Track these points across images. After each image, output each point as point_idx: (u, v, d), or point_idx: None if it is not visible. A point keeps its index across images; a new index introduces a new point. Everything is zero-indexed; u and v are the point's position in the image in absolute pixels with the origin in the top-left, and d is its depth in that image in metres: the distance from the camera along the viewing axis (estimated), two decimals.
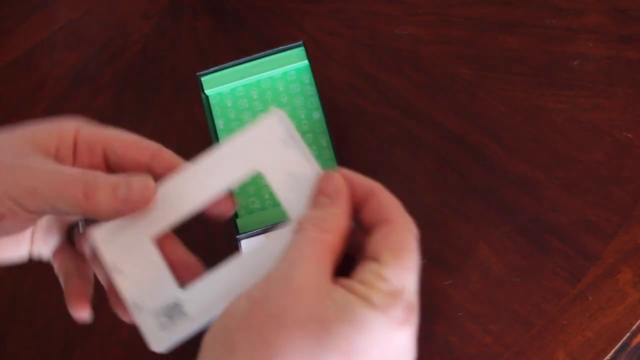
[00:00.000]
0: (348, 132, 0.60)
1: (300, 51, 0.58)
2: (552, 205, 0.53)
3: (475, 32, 0.62)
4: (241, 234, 0.53)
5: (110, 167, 0.37)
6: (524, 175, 0.55)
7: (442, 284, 0.52)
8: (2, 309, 0.59)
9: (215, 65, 0.58)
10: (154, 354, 0.55)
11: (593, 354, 0.48)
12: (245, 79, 0.59)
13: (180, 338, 0.35)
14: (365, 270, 0.30)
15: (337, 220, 0.31)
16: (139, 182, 0.33)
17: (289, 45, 0.58)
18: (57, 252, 0.39)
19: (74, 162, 0.36)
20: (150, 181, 0.33)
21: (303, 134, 0.57)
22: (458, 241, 0.54)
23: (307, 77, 0.59)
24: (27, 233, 0.37)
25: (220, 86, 0.58)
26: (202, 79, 0.58)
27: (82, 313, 0.37)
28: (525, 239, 0.53)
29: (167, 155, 0.37)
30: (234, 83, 0.59)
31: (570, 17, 0.61)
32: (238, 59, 0.59)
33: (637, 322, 0.48)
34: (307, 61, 0.58)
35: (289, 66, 0.58)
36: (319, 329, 0.27)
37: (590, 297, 0.50)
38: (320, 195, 0.33)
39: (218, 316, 0.29)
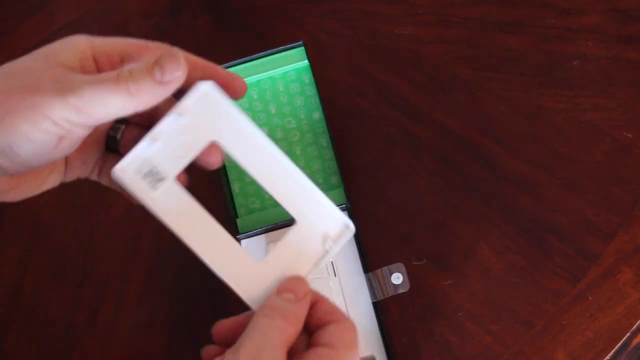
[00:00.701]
0: (348, 132, 0.60)
1: (300, 51, 0.58)
2: (552, 205, 0.53)
3: (475, 32, 0.62)
4: (241, 233, 0.53)
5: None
6: (524, 175, 0.55)
7: (442, 284, 0.52)
8: (2, 309, 0.59)
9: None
10: (153, 354, 0.55)
11: (593, 354, 0.48)
12: (245, 79, 0.59)
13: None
14: (323, 355, 0.34)
15: (300, 316, 0.36)
16: (167, 56, 0.34)
17: (289, 46, 0.58)
18: (99, 164, 0.40)
19: (98, 71, 0.37)
20: (176, 51, 0.35)
21: (303, 133, 0.58)
22: (458, 241, 0.54)
23: (307, 77, 0.59)
24: (62, 162, 0.39)
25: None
26: None
27: None
28: (525, 239, 0.53)
29: (175, 51, 0.36)
30: None
31: (571, 17, 0.61)
32: (238, 59, 0.59)
33: (637, 322, 0.48)
34: (307, 61, 0.58)
35: (289, 66, 0.58)
36: None
37: (590, 297, 0.50)
38: (288, 292, 0.37)
39: None
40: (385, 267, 0.50)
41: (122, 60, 0.37)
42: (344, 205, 0.53)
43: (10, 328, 0.58)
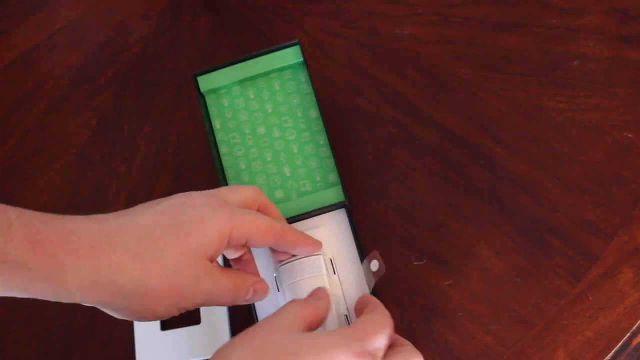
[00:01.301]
0: (348, 132, 0.60)
1: (296, 49, 0.58)
2: (552, 205, 0.53)
3: (475, 32, 0.62)
4: None
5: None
6: (524, 175, 0.55)
7: (442, 284, 0.52)
8: (2, 309, 0.59)
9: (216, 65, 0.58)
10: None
11: (593, 354, 0.48)
12: (241, 78, 0.59)
13: None
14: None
15: (319, 305, 0.44)
16: (260, 287, 0.46)
17: (285, 44, 0.58)
18: None
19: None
20: (264, 286, 0.47)
21: (300, 132, 0.57)
22: (458, 241, 0.54)
23: (304, 76, 0.59)
24: None
25: (216, 85, 0.58)
26: (198, 78, 0.58)
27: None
28: (525, 239, 0.53)
29: (289, 234, 0.48)
30: (230, 82, 0.59)
31: (571, 17, 0.61)
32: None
33: (638, 322, 0.48)
34: (302, 59, 0.58)
35: (285, 64, 0.58)
36: (296, 349, 0.36)
37: (590, 297, 0.50)
38: (315, 293, 0.47)
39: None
40: (365, 259, 0.50)
41: (247, 241, 0.45)
42: (342, 202, 0.53)
43: (10, 328, 0.58)
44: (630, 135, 0.55)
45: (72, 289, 0.38)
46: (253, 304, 0.52)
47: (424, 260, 0.54)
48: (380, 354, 0.38)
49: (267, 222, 0.45)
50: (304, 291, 0.48)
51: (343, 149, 0.59)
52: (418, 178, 0.57)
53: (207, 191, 0.46)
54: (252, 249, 0.50)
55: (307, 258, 0.50)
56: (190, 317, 0.55)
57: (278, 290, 0.52)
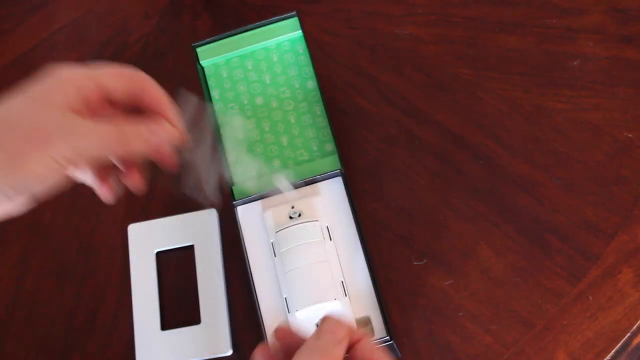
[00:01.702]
0: (348, 132, 0.60)
1: (294, 22, 0.59)
2: (552, 205, 0.53)
3: (476, 32, 0.62)
4: (237, 200, 0.55)
5: (107, 97, 0.42)
6: (524, 175, 0.55)
7: (442, 284, 0.52)
8: (2, 309, 0.59)
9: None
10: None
11: (593, 354, 0.48)
12: (240, 50, 0.60)
13: None
14: None
15: (338, 357, 0.37)
16: (157, 128, 0.41)
17: (282, 16, 0.59)
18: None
19: (88, 106, 0.40)
20: (166, 125, 0.41)
21: (297, 102, 0.58)
22: (458, 241, 0.54)
23: (301, 47, 0.60)
24: None
25: (216, 57, 0.60)
26: (198, 49, 0.59)
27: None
28: (526, 239, 0.53)
29: (153, 89, 0.42)
30: (229, 54, 0.60)
31: (571, 17, 0.61)
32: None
33: (638, 322, 0.48)
34: (300, 31, 0.59)
35: (282, 37, 0.60)
36: None
37: (590, 297, 0.50)
38: (329, 333, 0.38)
39: None
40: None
41: (100, 89, 0.41)
42: (337, 171, 0.54)
43: (10, 328, 0.58)
44: (630, 135, 0.55)
45: None
46: (254, 289, 0.52)
47: (424, 260, 0.54)
48: None
49: (125, 69, 0.42)
50: (301, 257, 0.50)
51: (343, 149, 0.59)
52: (418, 178, 0.57)
53: None
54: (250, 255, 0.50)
55: (304, 224, 0.51)
56: (190, 317, 0.55)
57: (275, 256, 0.53)
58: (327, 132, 0.57)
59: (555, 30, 0.60)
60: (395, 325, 0.52)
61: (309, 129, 0.58)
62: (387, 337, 0.49)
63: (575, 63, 0.59)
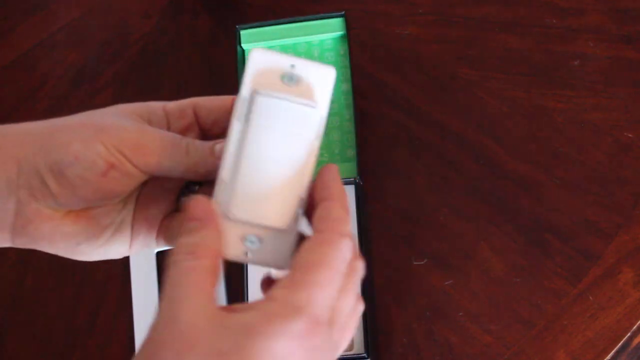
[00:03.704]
0: None
1: (340, 21, 0.59)
2: (553, 205, 0.53)
3: (476, 32, 0.62)
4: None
5: (201, 125, 0.38)
6: (525, 175, 0.55)
7: (442, 284, 0.52)
8: (2, 309, 0.59)
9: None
10: None
11: (594, 354, 0.48)
12: (282, 40, 0.60)
13: None
14: (275, 286, 0.29)
15: (211, 243, 0.31)
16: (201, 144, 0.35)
17: (330, 14, 0.59)
18: (165, 224, 0.38)
19: (169, 129, 0.37)
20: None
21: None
22: (458, 241, 0.54)
23: (343, 49, 0.60)
24: (127, 222, 0.37)
25: (258, 42, 0.60)
26: (241, 32, 0.60)
27: None
28: (526, 239, 0.53)
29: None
30: (271, 42, 0.60)
31: (571, 17, 0.61)
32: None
33: (638, 322, 0.48)
34: (345, 32, 0.59)
35: (327, 34, 0.60)
36: None
37: (591, 297, 0.50)
38: (189, 221, 0.31)
39: None
40: None
41: (197, 112, 0.38)
42: (352, 179, 0.54)
43: (11, 328, 0.58)
44: (630, 135, 0.55)
45: None
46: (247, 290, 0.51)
47: (425, 260, 0.54)
48: (330, 314, 0.29)
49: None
50: (273, 148, 0.34)
51: None
52: (418, 178, 0.57)
53: None
54: None
55: (301, 108, 0.34)
56: None
57: (237, 120, 0.34)
58: (351, 138, 0.57)
59: (556, 30, 0.60)
60: (395, 325, 0.52)
61: (335, 131, 0.57)
62: (364, 354, 0.49)
63: (575, 63, 0.59)
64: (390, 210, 0.56)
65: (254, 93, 0.34)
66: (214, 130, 0.38)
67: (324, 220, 0.31)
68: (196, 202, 0.32)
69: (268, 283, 0.34)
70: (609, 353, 0.48)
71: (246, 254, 0.33)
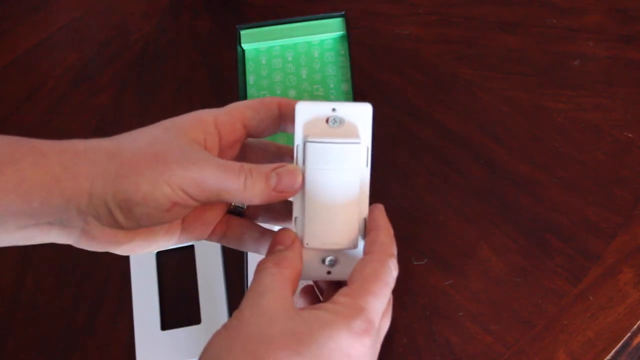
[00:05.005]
0: None
1: (340, 21, 0.59)
2: (553, 205, 0.53)
3: (476, 32, 0.62)
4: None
5: (251, 133, 0.41)
6: (525, 175, 0.55)
7: (442, 284, 0.52)
8: (2, 309, 0.59)
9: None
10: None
11: (594, 354, 0.48)
12: (282, 40, 0.60)
13: None
14: (338, 293, 0.36)
15: (292, 259, 0.38)
16: (286, 171, 0.38)
17: (330, 14, 0.59)
18: (221, 226, 0.43)
19: (220, 145, 0.40)
20: (296, 169, 0.38)
21: None
22: (458, 241, 0.54)
23: (343, 48, 0.60)
24: (178, 223, 0.41)
25: (258, 42, 0.60)
26: (242, 32, 0.60)
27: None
28: (526, 239, 0.53)
29: (288, 101, 0.41)
30: (271, 42, 0.60)
31: (571, 17, 0.61)
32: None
33: (638, 322, 0.48)
34: (345, 32, 0.59)
35: (327, 34, 0.60)
36: (294, 341, 0.32)
37: (591, 297, 0.50)
38: (276, 245, 0.39)
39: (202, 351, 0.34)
40: None
41: (246, 125, 0.40)
42: None
43: (11, 328, 0.58)
44: (630, 135, 0.55)
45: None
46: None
47: (425, 260, 0.54)
48: (379, 318, 0.36)
49: (253, 100, 0.41)
50: (330, 184, 0.40)
51: None
52: (418, 178, 0.57)
53: None
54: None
55: (346, 146, 0.39)
56: (190, 317, 0.55)
57: (296, 164, 0.40)
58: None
59: (556, 30, 0.60)
60: (395, 325, 0.52)
61: None
62: None
63: (576, 63, 0.59)
64: (389, 210, 0.56)
65: (305, 141, 0.39)
66: (264, 135, 0.42)
67: (373, 244, 0.38)
68: (283, 232, 0.39)
69: (307, 291, 0.42)
70: (609, 353, 0.48)
71: (328, 272, 0.40)
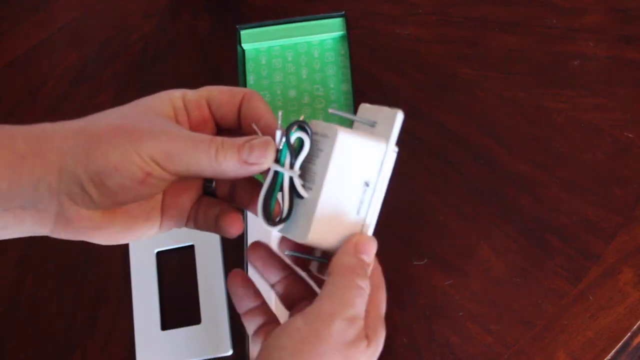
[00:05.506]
0: None
1: (340, 21, 0.59)
2: (553, 205, 0.53)
3: (476, 32, 0.62)
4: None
5: (215, 117, 0.41)
6: (525, 175, 0.55)
7: (442, 284, 0.52)
8: (2, 309, 0.59)
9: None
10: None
11: (594, 354, 0.48)
12: (283, 40, 0.60)
13: None
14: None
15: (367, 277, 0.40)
16: (260, 142, 0.37)
17: (330, 14, 0.59)
18: (194, 209, 0.42)
19: (190, 121, 0.40)
20: (268, 140, 0.37)
21: (329, 102, 0.59)
22: (458, 241, 0.54)
23: (344, 48, 0.60)
24: (157, 209, 0.40)
25: (258, 42, 0.60)
26: (242, 32, 0.60)
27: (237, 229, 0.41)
28: (526, 239, 0.53)
29: (256, 99, 0.40)
30: (271, 42, 0.60)
31: (571, 17, 0.61)
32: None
33: (638, 322, 0.48)
34: (345, 32, 0.59)
35: (327, 34, 0.60)
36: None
37: (591, 297, 0.50)
38: (365, 254, 0.41)
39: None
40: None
41: (209, 104, 0.40)
42: None
43: (11, 328, 0.58)
44: (630, 135, 0.55)
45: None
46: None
47: (425, 260, 0.54)
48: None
49: (225, 86, 0.41)
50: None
51: None
52: (418, 178, 0.57)
53: None
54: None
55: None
56: (190, 317, 0.55)
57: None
58: None
59: (555, 30, 0.60)
60: (395, 325, 0.52)
61: None
62: None
63: (576, 63, 0.59)
64: (389, 210, 0.56)
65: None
66: (222, 124, 0.41)
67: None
68: (371, 244, 0.42)
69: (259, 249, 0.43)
70: (609, 353, 0.48)
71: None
